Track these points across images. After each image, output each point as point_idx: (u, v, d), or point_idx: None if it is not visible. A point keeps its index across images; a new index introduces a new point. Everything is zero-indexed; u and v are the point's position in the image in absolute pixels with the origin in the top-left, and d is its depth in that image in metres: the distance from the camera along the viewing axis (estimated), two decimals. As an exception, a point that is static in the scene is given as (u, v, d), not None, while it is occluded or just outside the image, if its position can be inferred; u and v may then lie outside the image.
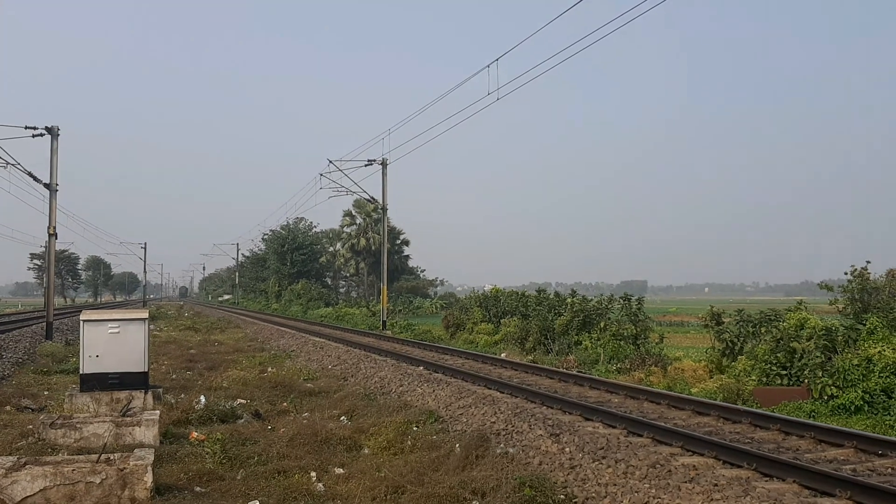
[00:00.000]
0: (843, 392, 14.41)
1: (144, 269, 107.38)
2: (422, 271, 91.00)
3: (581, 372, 20.35)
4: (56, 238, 33.01)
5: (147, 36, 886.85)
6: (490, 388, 16.34)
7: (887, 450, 9.83)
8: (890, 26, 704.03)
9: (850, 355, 15.33)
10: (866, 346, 15.70)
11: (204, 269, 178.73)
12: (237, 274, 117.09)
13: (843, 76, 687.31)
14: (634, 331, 24.62)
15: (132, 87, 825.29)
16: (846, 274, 24.86)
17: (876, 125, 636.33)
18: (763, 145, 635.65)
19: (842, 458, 9.93)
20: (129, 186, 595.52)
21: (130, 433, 11.94)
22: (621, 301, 26.68)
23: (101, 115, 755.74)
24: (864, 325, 17.60)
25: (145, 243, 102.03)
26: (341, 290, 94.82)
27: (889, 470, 9.23)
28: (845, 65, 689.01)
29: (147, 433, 11.96)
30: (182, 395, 17.01)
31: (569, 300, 29.61)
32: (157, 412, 12.85)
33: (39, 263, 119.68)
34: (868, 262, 24.42)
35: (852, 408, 13.87)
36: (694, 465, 9.33)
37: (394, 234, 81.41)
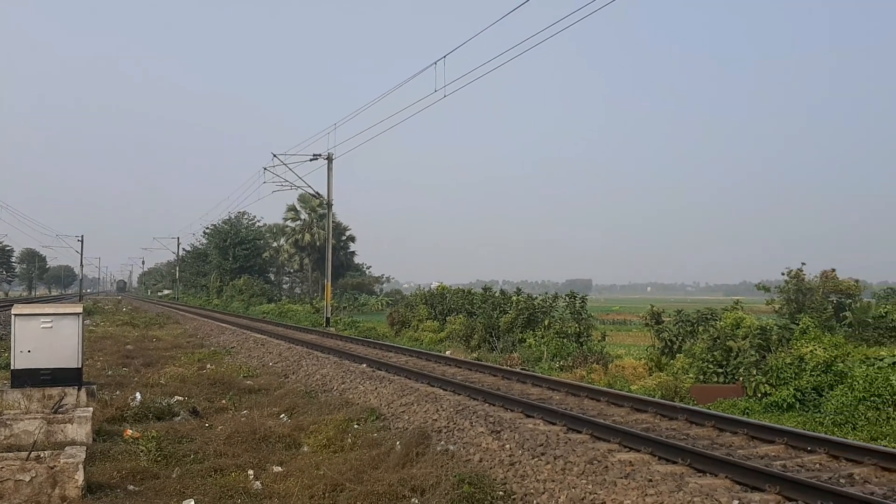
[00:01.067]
0: (776, 390, 14.80)
1: (81, 262, 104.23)
2: (368, 268, 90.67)
3: (525, 369, 20.51)
4: (-12, 229, 31.95)
5: (86, 23, 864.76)
6: (433, 386, 16.34)
7: (816, 446, 10.12)
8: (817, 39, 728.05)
9: (783, 354, 15.76)
10: (799, 345, 16.17)
11: (143, 263, 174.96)
12: (177, 269, 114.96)
13: (791, 80, 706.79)
14: (578, 329, 24.92)
15: (68, 78, 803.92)
16: (783, 274, 25.63)
17: (819, 129, 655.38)
18: (708, 149, 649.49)
19: (773, 454, 10.19)
20: (65, 177, 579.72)
21: (62, 430, 11.68)
22: (566, 299, 26.99)
23: (35, 103, 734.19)
24: (798, 324, 18.14)
25: (82, 236, 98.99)
26: (284, 286, 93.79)
27: (817, 466, 9.51)
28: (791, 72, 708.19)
29: (79, 430, 11.70)
30: (117, 392, 16.66)
31: (514, 298, 29.81)
32: (91, 409, 12.60)
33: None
34: (803, 263, 25.23)
35: (784, 405, 14.25)
36: (630, 461, 9.47)
37: (339, 229, 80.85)
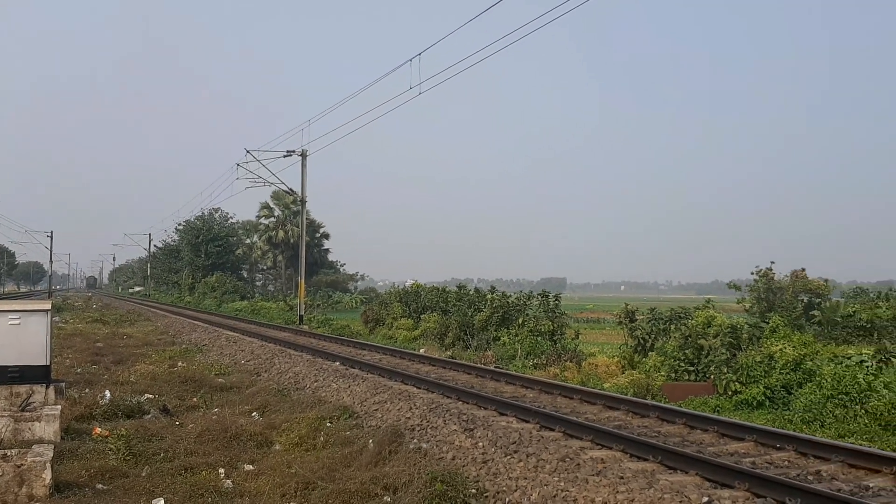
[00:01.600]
0: (746, 388, 14.97)
1: (51, 258, 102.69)
2: (342, 265, 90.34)
3: (499, 367, 20.53)
4: (-46, 224, 31.42)
5: (56, 10, 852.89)
6: (407, 384, 16.32)
7: (784, 443, 10.25)
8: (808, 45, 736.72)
9: (753, 352, 15.95)
10: (769, 343, 16.38)
11: (114, 259, 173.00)
12: (149, 265, 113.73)
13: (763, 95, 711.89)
14: (551, 327, 24.97)
15: (38, 66, 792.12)
16: (752, 274, 25.95)
17: (819, 129, 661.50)
18: (680, 151, 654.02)
19: (742, 451, 10.30)
20: (34, 172, 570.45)
21: (30, 429, 11.53)
22: (540, 298, 27.06)
23: (4, 98, 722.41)
24: (768, 323, 18.37)
25: (52, 232, 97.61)
26: (258, 284, 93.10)
27: (785, 462, 9.63)
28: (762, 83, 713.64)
29: (47, 429, 11.54)
30: (87, 390, 16.47)
31: (489, 296, 29.86)
32: (59, 407, 12.43)
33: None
34: (773, 262, 25.57)
35: (754, 403, 14.42)
36: (602, 459, 9.52)
37: (313, 226, 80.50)
